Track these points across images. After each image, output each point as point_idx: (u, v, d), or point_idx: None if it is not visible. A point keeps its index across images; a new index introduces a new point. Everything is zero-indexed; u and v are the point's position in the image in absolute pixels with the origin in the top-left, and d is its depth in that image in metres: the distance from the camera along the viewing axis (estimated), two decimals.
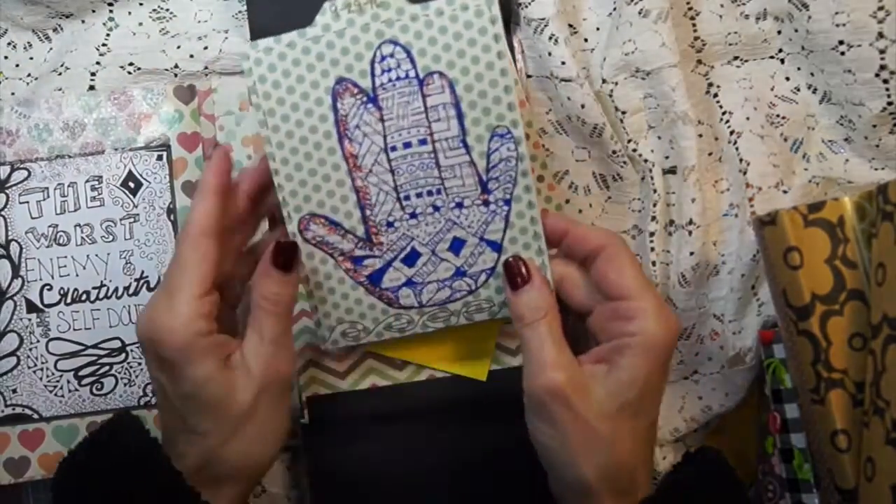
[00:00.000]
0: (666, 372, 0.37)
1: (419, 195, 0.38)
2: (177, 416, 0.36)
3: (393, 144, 0.38)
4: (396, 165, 0.38)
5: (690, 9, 0.47)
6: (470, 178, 0.38)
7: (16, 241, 0.45)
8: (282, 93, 0.37)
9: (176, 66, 0.47)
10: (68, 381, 0.45)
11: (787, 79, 0.48)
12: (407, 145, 0.38)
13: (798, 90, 0.47)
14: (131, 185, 0.46)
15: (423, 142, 0.38)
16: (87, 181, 0.46)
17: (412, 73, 0.37)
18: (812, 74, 0.47)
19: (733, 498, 0.38)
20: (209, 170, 0.37)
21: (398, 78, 0.37)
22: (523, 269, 0.38)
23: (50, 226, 0.45)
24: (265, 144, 0.38)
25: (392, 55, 0.37)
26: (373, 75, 0.37)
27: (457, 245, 0.39)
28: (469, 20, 0.36)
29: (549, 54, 0.45)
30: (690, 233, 0.45)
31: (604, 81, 0.46)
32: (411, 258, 0.39)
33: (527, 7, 0.46)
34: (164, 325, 0.35)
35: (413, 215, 0.39)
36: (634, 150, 0.46)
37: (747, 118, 0.47)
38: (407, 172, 0.38)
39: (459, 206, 0.38)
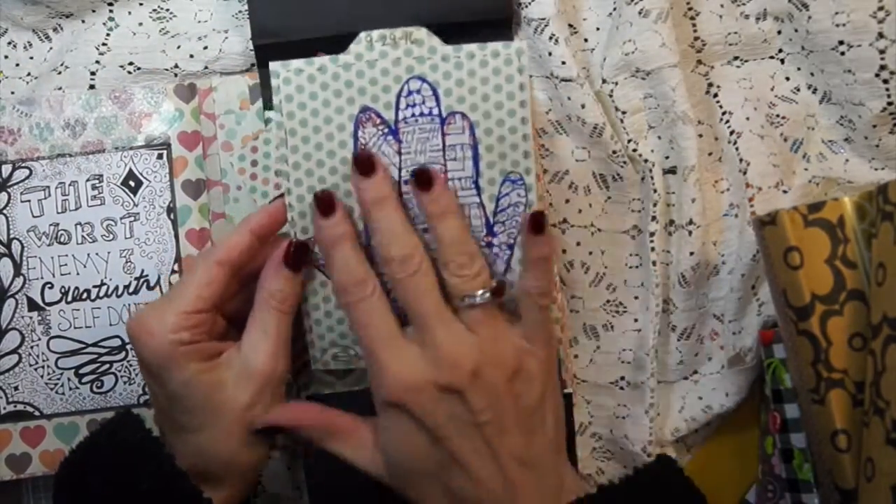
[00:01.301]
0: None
1: (425, 230, 0.38)
2: (167, 415, 0.37)
3: (406, 178, 0.38)
4: (408, 199, 0.38)
5: (690, 9, 0.47)
6: (477, 220, 0.38)
7: (17, 239, 0.45)
8: (306, 114, 0.38)
9: (176, 66, 0.47)
10: (69, 379, 0.45)
11: (787, 79, 0.48)
12: None
13: (798, 90, 0.47)
14: (132, 183, 0.46)
15: None
16: (88, 180, 0.46)
17: (435, 111, 0.38)
18: (812, 74, 0.47)
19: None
20: (263, 212, 0.38)
21: (421, 114, 0.38)
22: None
23: (51, 224, 0.45)
24: (281, 163, 0.38)
25: (419, 91, 0.38)
26: (397, 108, 0.38)
27: None
28: (497, 67, 0.37)
29: (549, 54, 0.45)
30: (690, 233, 0.45)
31: (604, 81, 0.46)
32: None
33: (527, 7, 0.46)
34: (148, 328, 0.35)
35: None
36: (634, 150, 0.46)
37: (747, 118, 0.47)
38: (417, 207, 0.38)
39: None
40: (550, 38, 0.45)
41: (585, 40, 0.47)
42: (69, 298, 0.45)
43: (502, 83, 0.37)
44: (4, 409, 0.45)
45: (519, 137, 0.38)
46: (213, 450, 0.36)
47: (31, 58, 0.49)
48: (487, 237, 0.39)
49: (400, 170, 0.38)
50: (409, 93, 0.38)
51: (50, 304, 0.45)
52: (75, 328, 0.45)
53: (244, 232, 0.38)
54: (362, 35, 0.38)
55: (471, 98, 0.38)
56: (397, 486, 0.36)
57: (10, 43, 0.49)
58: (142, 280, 0.45)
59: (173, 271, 0.45)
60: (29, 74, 0.48)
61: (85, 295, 0.45)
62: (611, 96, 0.46)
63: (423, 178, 0.36)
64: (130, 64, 0.48)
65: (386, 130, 0.38)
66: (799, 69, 0.47)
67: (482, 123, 0.38)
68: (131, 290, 0.45)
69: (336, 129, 0.38)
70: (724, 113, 0.47)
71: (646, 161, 0.46)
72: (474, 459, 0.34)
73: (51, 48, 0.49)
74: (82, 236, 0.45)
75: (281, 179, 0.39)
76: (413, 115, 0.38)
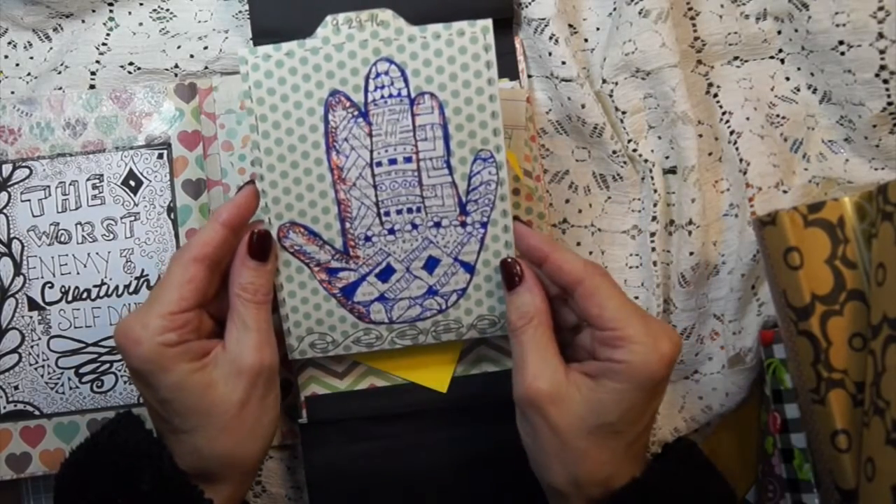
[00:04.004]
0: (656, 395, 0.36)
1: (399, 212, 0.39)
2: (162, 419, 0.37)
3: (379, 160, 0.38)
4: (380, 181, 0.39)
5: (690, 9, 0.47)
6: (450, 199, 0.39)
7: (18, 238, 0.45)
8: (276, 100, 0.38)
9: (176, 66, 0.47)
10: (69, 379, 0.45)
11: (787, 79, 0.48)
12: (392, 162, 0.39)
13: (798, 90, 0.47)
14: (132, 183, 0.46)
15: (408, 159, 0.39)
16: (89, 179, 0.46)
17: (404, 92, 0.38)
18: (812, 74, 0.47)
19: (712, 485, 0.38)
20: (231, 203, 0.38)
21: (390, 95, 0.38)
22: (518, 269, 0.38)
23: (51, 224, 0.45)
24: (253, 149, 0.38)
25: (387, 73, 0.38)
26: (366, 91, 0.38)
27: (431, 264, 0.40)
28: (464, 46, 0.38)
29: (550, 54, 0.45)
30: (690, 233, 0.45)
31: (604, 81, 0.46)
32: (386, 274, 0.40)
33: (527, 7, 0.46)
34: (132, 335, 0.35)
35: (391, 231, 0.39)
36: (634, 150, 0.46)
37: (747, 118, 0.47)
38: (389, 189, 0.39)
39: (437, 225, 0.39)
40: (550, 38, 0.45)
41: (585, 40, 0.47)
42: (69, 298, 0.45)
43: (469, 61, 0.38)
44: (4, 408, 0.45)
45: (488, 115, 0.38)
46: (210, 449, 0.36)
47: (31, 58, 0.49)
48: (461, 217, 0.39)
49: (372, 152, 0.38)
50: (378, 74, 0.38)
51: (50, 304, 0.45)
52: (75, 328, 0.45)
53: (215, 226, 0.37)
54: (328, 18, 0.38)
55: (439, 77, 0.38)
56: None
57: (10, 43, 0.49)
58: (142, 280, 0.45)
59: None
60: (29, 74, 0.48)
61: (85, 294, 0.45)
62: (611, 96, 0.46)
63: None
64: (131, 64, 0.48)
65: (356, 113, 0.38)
66: (799, 69, 0.47)
67: (451, 102, 0.38)
68: (131, 289, 0.45)
69: (306, 113, 0.38)
70: (724, 113, 0.47)
71: (646, 161, 0.46)
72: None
73: (51, 48, 0.49)
74: (83, 236, 0.45)
75: (254, 167, 0.39)
76: (382, 96, 0.38)
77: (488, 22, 0.37)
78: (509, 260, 0.38)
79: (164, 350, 0.35)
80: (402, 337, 0.41)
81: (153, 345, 0.35)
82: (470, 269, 0.40)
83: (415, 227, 0.39)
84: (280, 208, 0.39)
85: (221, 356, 0.36)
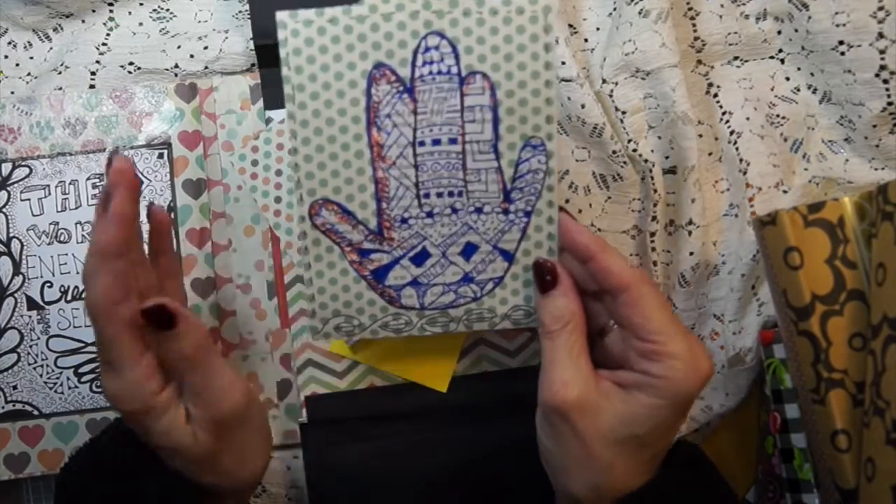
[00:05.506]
0: (686, 412, 0.35)
1: (439, 195, 0.37)
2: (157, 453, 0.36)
3: (422, 139, 0.36)
4: (422, 161, 0.36)
5: (690, 9, 0.47)
6: (494, 185, 0.37)
7: (17, 238, 0.45)
8: (315, 69, 0.35)
9: (176, 66, 0.47)
10: (68, 378, 0.45)
11: (787, 79, 0.48)
12: (436, 142, 0.36)
13: (798, 90, 0.47)
14: None
15: (453, 141, 0.36)
16: (89, 179, 0.46)
17: (454, 70, 0.35)
18: (812, 74, 0.47)
19: (717, 490, 0.38)
20: (115, 190, 0.32)
21: (439, 72, 0.35)
22: (552, 271, 0.36)
23: (51, 223, 0.45)
24: (287, 120, 0.36)
25: (437, 48, 0.35)
26: (413, 65, 0.35)
27: (469, 250, 0.38)
28: (522, 25, 0.35)
29: None
30: (690, 233, 0.45)
31: (604, 81, 0.46)
32: (420, 258, 0.38)
33: None
34: (119, 394, 0.33)
35: (430, 214, 0.37)
36: (634, 150, 0.46)
37: (747, 118, 0.47)
38: (431, 170, 0.36)
39: (479, 211, 0.37)
40: None
41: (585, 40, 0.47)
42: (69, 297, 0.45)
43: (526, 42, 0.35)
44: (3, 408, 0.45)
45: (542, 101, 0.36)
46: (203, 481, 0.35)
47: (31, 58, 0.49)
48: (504, 204, 0.37)
49: (415, 130, 0.36)
50: (427, 49, 0.35)
51: (49, 303, 0.45)
52: (74, 327, 0.45)
53: (107, 226, 0.32)
54: None
55: (492, 57, 0.35)
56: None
57: (10, 43, 0.49)
58: None
59: None
60: (29, 74, 0.48)
61: (84, 294, 0.45)
62: (611, 96, 0.46)
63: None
64: (131, 64, 0.48)
65: (401, 88, 0.36)
66: (799, 69, 0.47)
67: (503, 84, 0.35)
68: None
69: (347, 85, 0.36)
70: (724, 113, 0.47)
71: (646, 161, 0.46)
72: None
73: (51, 48, 0.49)
74: (82, 235, 0.45)
75: (289, 140, 0.36)
76: (430, 73, 0.35)
77: (551, 1, 0.35)
78: (542, 261, 0.37)
79: (152, 400, 0.33)
80: (433, 324, 0.39)
81: (143, 396, 0.33)
82: (509, 257, 0.38)
83: (455, 211, 0.37)
84: (313, 184, 0.37)
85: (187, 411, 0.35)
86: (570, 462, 0.35)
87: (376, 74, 0.36)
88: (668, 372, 0.33)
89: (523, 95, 0.35)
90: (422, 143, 0.36)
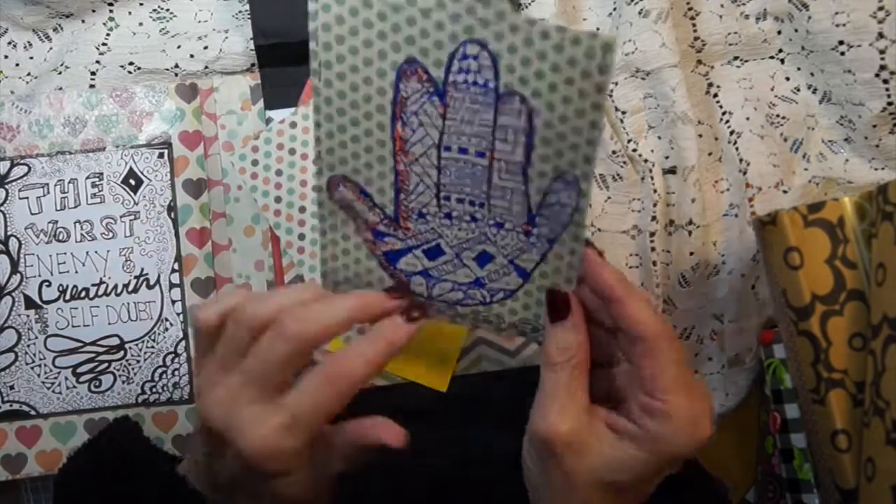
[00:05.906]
0: (675, 467, 0.35)
1: (460, 201, 0.35)
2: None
3: (448, 144, 0.34)
4: (445, 165, 0.34)
5: (690, 9, 0.47)
6: (518, 206, 0.34)
7: (15, 236, 0.45)
8: (343, 50, 0.33)
9: (176, 66, 0.47)
10: (66, 378, 0.45)
11: (787, 79, 0.48)
12: (463, 151, 0.34)
13: (798, 90, 0.47)
14: (132, 182, 0.46)
15: (480, 154, 0.34)
16: (88, 178, 0.46)
17: (491, 85, 0.32)
18: (812, 74, 0.47)
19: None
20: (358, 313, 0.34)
21: (475, 83, 0.33)
22: (566, 303, 0.35)
23: (50, 222, 0.45)
24: (314, 95, 0.34)
25: (476, 57, 0.32)
26: (448, 69, 0.33)
27: (484, 258, 0.36)
28: (575, 57, 0.31)
29: None
30: (690, 233, 0.45)
31: None
32: (434, 253, 0.37)
33: (527, 7, 0.46)
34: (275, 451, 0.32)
35: (448, 216, 0.36)
36: (634, 150, 0.46)
37: (747, 118, 0.47)
38: (454, 175, 0.34)
39: (499, 226, 0.35)
40: None
41: None
42: (67, 297, 0.45)
43: (576, 76, 0.31)
44: (0, 408, 0.45)
45: (582, 140, 0.32)
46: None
47: (31, 58, 0.49)
48: (527, 226, 0.35)
49: (442, 134, 0.34)
50: (465, 56, 0.32)
51: (47, 303, 0.45)
52: (73, 326, 0.45)
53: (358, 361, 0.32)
54: None
55: (535, 83, 0.32)
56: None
57: (10, 43, 0.49)
58: (141, 279, 0.45)
59: (173, 270, 0.45)
60: (29, 74, 0.48)
61: (83, 293, 0.45)
62: (611, 96, 0.46)
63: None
64: (131, 64, 0.48)
65: (431, 90, 0.33)
66: (799, 69, 0.47)
67: (544, 114, 0.32)
68: (130, 288, 0.45)
69: (376, 73, 0.33)
70: (724, 113, 0.47)
71: (646, 161, 0.46)
72: None
73: (51, 48, 0.49)
74: (81, 234, 0.45)
75: (312, 113, 0.35)
76: (465, 81, 0.33)
77: (613, 38, 0.31)
78: (556, 290, 0.35)
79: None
80: (440, 312, 0.38)
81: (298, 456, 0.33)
82: (525, 274, 0.36)
83: (474, 220, 0.35)
84: (333, 159, 0.35)
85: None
86: (550, 492, 0.35)
87: (407, 70, 0.33)
88: (664, 431, 0.33)
89: (563, 130, 0.32)
90: (448, 148, 0.34)
